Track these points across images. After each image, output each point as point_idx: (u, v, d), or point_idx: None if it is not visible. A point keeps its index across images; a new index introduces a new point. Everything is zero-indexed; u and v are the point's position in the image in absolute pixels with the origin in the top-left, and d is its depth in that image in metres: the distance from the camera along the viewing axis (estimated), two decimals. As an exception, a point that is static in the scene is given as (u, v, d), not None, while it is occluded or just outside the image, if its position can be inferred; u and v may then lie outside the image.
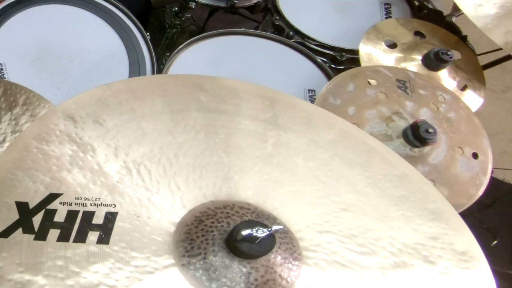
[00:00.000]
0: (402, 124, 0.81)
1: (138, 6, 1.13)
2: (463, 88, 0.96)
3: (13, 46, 0.93)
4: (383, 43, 0.97)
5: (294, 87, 0.98)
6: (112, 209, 0.52)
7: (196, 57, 0.97)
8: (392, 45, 0.95)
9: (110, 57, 0.97)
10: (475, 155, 0.84)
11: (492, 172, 0.83)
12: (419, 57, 0.94)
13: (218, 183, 0.56)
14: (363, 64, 0.93)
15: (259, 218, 0.53)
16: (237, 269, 0.50)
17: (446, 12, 1.04)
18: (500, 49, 0.88)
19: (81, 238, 0.50)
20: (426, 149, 0.81)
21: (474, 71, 0.96)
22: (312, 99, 0.97)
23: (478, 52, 1.01)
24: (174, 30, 1.27)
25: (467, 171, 0.82)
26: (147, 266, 0.49)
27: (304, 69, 0.99)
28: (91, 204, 0.52)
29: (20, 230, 0.49)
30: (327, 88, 0.84)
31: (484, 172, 0.82)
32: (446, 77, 0.95)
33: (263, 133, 0.61)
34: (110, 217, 0.52)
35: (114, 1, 1.01)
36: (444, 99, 0.88)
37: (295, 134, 0.62)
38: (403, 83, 0.86)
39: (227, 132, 0.60)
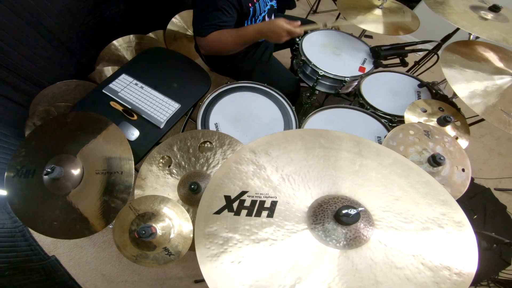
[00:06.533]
0: (427, 155, 0.93)
1: (292, 93, 1.41)
2: (456, 139, 1.06)
3: (223, 113, 1.17)
4: (420, 109, 1.13)
5: (369, 135, 1.19)
6: (274, 199, 0.63)
7: (319, 119, 1.20)
8: (424, 111, 1.12)
9: (273, 119, 1.18)
10: (463, 170, 0.93)
11: (473, 179, 0.88)
12: (435, 119, 1.10)
13: (330, 186, 0.65)
14: (406, 122, 1.07)
15: (352, 204, 0.61)
16: (340, 231, 0.59)
17: (449, 95, 1.26)
18: (477, 115, 1.03)
19: (258, 214, 0.62)
20: (440, 168, 0.91)
21: (464, 127, 1.11)
22: (379, 142, 1.15)
23: (466, 116, 1.14)
24: (306, 105, 1.62)
25: (459, 179, 0.92)
26: (293, 229, 0.60)
27: (375, 126, 1.22)
28: (263, 197, 0.64)
29: (226, 210, 0.62)
30: (388, 136, 0.97)
31: (468, 179, 0.92)
32: (449, 130, 1.08)
33: (353, 160, 0.68)
34: (274, 204, 0.63)
35: (276, 90, 1.26)
36: (448, 141, 0.98)
37: (371, 160, 0.68)
38: (427, 132, 1.00)
39: (334, 159, 0.67)
